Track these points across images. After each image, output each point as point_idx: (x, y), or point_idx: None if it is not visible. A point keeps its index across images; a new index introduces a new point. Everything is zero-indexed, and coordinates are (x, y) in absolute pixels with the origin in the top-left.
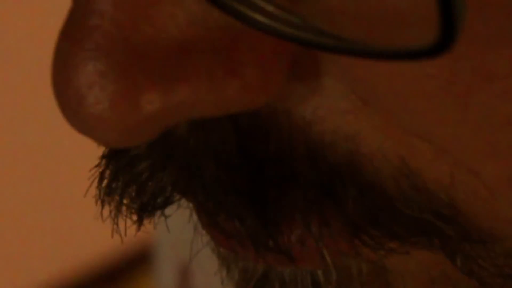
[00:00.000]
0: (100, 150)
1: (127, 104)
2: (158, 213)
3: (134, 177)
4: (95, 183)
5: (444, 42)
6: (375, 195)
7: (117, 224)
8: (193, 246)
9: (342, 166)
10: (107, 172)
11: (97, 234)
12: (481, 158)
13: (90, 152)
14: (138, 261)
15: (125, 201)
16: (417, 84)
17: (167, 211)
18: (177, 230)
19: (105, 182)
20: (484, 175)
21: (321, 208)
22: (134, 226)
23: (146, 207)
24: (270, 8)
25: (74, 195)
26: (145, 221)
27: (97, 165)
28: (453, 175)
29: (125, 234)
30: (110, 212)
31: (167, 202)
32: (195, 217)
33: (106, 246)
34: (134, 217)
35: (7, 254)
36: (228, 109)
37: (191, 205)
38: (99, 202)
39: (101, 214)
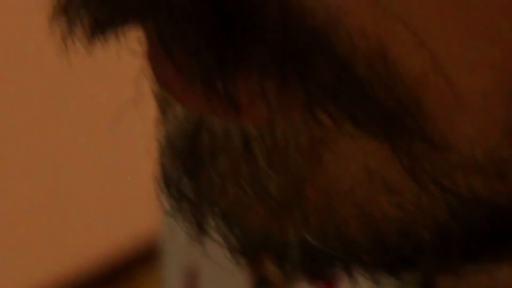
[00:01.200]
0: (100, 152)
1: None
2: (108, 36)
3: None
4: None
5: None
6: (345, 72)
7: (65, 44)
8: (202, 246)
9: (317, 34)
10: None
11: (98, 234)
12: (461, 66)
13: (91, 152)
14: (141, 261)
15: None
16: None
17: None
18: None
19: None
20: (458, 84)
21: (283, 70)
22: (136, 224)
23: (98, 27)
24: None
25: (75, 195)
26: (150, 221)
27: None
28: (426, 73)
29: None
30: (62, 33)
31: (124, 20)
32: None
33: (107, 246)
34: (85, 36)
35: (7, 254)
36: None
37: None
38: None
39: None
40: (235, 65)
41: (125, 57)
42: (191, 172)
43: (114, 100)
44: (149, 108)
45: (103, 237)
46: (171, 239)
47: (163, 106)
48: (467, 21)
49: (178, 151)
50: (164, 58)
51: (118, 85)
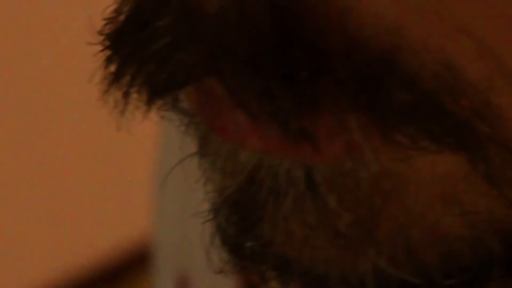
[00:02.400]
0: (100, 151)
1: None
2: (171, 97)
3: (148, 54)
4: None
5: None
6: (415, 89)
7: (122, 114)
8: (193, 253)
9: (383, 59)
10: (115, 57)
11: (90, 237)
12: None
13: (91, 153)
14: (138, 261)
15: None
16: None
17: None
18: (177, 237)
19: (113, 66)
20: None
21: (356, 102)
22: (133, 225)
23: (161, 88)
24: None
25: (75, 195)
26: (147, 209)
27: (103, 48)
28: (492, 79)
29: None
30: (115, 102)
31: (186, 81)
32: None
33: (99, 249)
34: (143, 104)
35: (7, 254)
36: None
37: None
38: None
39: (105, 101)
40: (311, 104)
41: None
42: (251, 222)
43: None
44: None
45: (95, 241)
46: (163, 245)
47: (213, 159)
48: None
49: (235, 202)
50: (229, 109)
51: None
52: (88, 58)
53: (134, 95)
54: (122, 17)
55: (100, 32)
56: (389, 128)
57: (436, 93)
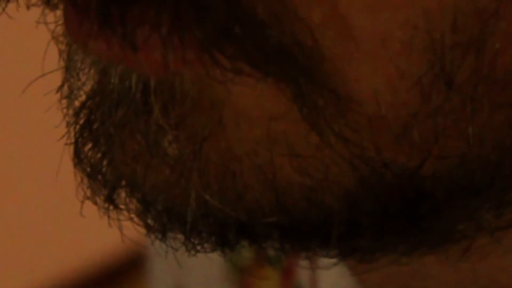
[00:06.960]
0: None
1: None
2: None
3: None
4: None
5: None
6: (241, 11)
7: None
8: (190, 265)
9: None
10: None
11: (97, 234)
12: (360, 7)
13: None
14: (137, 262)
15: None
16: None
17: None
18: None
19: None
20: (358, 28)
21: (178, 6)
22: (128, 231)
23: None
24: None
25: (74, 195)
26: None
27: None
28: (325, 19)
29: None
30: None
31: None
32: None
33: (104, 247)
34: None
35: (7, 254)
36: None
37: None
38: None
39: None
40: (135, 15)
41: None
42: (102, 139)
43: None
44: None
45: (90, 246)
46: (159, 256)
47: (68, 69)
48: None
49: (83, 111)
50: (75, 13)
51: None
52: None
53: None
54: None
55: None
56: (208, 44)
57: (262, 19)
